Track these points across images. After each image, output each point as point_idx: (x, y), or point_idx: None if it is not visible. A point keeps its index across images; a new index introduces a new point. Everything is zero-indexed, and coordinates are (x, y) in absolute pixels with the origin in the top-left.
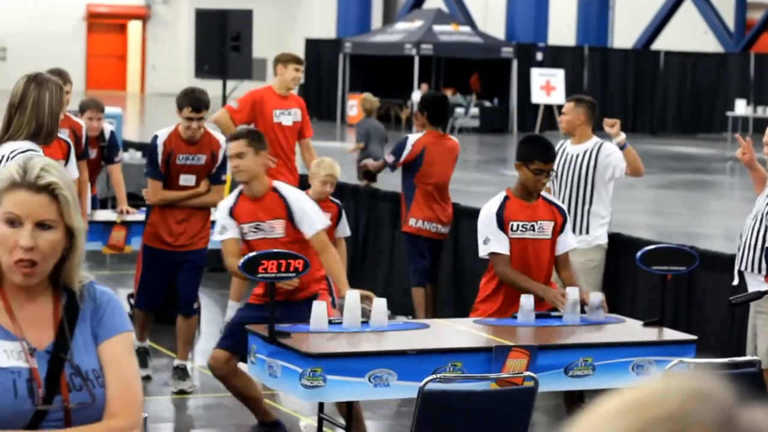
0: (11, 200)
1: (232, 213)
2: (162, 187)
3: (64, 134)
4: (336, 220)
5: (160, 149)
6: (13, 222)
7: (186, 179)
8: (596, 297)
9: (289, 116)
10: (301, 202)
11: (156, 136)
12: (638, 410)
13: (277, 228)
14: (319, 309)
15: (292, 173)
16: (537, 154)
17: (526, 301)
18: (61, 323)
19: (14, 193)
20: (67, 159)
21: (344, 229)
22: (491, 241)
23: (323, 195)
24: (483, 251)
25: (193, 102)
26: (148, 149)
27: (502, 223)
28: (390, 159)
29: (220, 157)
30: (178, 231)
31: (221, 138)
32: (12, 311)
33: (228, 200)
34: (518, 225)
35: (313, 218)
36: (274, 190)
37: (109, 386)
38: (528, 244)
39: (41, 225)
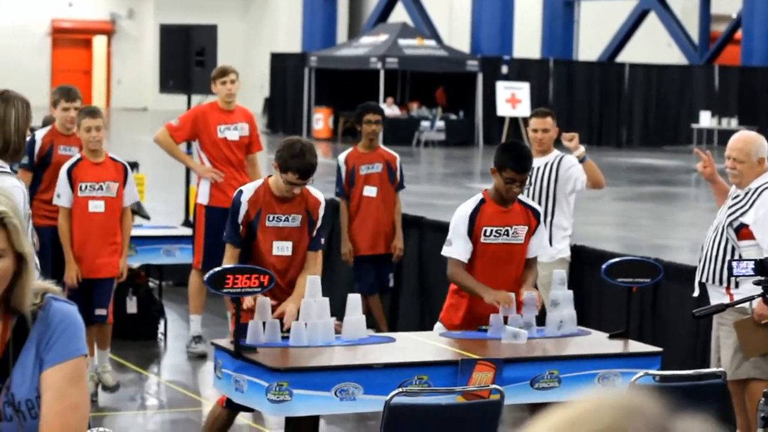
0: None
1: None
2: (241, 254)
3: None
4: None
5: (243, 208)
6: None
7: (280, 247)
8: (529, 295)
9: (235, 131)
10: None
11: (240, 192)
12: (573, 427)
13: None
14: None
15: None
16: (511, 163)
17: (495, 318)
18: (6, 348)
19: None
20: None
21: None
22: (453, 246)
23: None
24: (444, 251)
25: (300, 167)
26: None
27: (472, 227)
28: None
29: (320, 216)
30: None
31: (319, 194)
32: None
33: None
34: (492, 230)
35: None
36: None
37: (42, 417)
38: (502, 249)
39: None
